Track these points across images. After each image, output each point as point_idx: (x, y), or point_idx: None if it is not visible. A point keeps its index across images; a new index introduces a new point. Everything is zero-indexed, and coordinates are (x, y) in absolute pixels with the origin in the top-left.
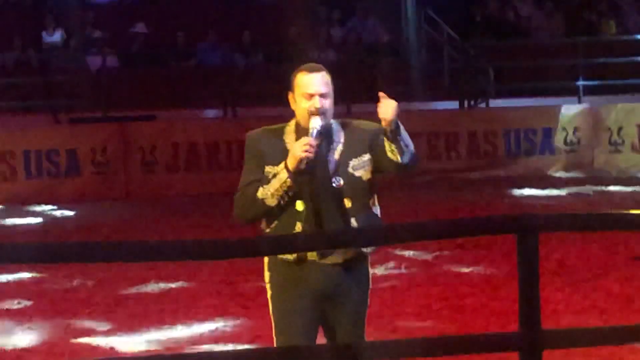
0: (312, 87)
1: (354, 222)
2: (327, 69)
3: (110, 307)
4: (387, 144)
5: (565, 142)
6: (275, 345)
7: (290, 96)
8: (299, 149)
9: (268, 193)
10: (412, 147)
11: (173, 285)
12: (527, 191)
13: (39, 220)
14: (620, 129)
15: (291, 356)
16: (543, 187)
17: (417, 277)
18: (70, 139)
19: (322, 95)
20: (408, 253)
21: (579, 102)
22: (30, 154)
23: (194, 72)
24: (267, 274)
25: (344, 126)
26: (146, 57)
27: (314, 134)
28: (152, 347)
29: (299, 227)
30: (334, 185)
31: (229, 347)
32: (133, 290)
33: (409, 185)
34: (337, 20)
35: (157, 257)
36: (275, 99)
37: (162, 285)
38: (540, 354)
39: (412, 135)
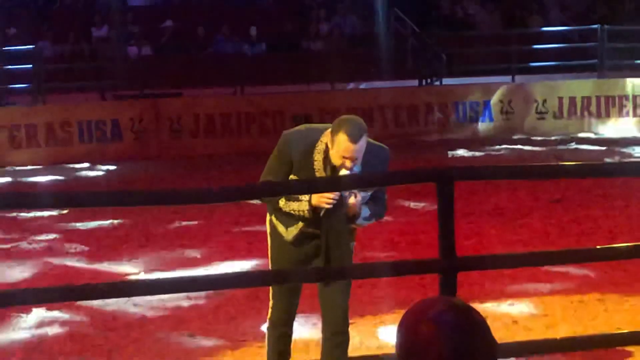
0: (349, 153)
1: (341, 228)
2: (316, 56)
3: (142, 242)
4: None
5: (501, 112)
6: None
7: (329, 137)
8: (322, 200)
9: (287, 208)
10: (373, 219)
11: (192, 224)
12: (472, 151)
13: (91, 174)
14: (544, 100)
15: (283, 277)
16: (484, 147)
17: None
18: (114, 111)
19: (355, 159)
20: None
21: (513, 80)
22: (83, 123)
23: (211, 58)
24: (268, 226)
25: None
26: (173, 47)
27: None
28: (175, 273)
29: (300, 224)
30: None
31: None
32: (160, 229)
33: None
34: (324, 18)
35: (179, 201)
36: (275, 80)
37: (184, 224)
38: (455, 276)
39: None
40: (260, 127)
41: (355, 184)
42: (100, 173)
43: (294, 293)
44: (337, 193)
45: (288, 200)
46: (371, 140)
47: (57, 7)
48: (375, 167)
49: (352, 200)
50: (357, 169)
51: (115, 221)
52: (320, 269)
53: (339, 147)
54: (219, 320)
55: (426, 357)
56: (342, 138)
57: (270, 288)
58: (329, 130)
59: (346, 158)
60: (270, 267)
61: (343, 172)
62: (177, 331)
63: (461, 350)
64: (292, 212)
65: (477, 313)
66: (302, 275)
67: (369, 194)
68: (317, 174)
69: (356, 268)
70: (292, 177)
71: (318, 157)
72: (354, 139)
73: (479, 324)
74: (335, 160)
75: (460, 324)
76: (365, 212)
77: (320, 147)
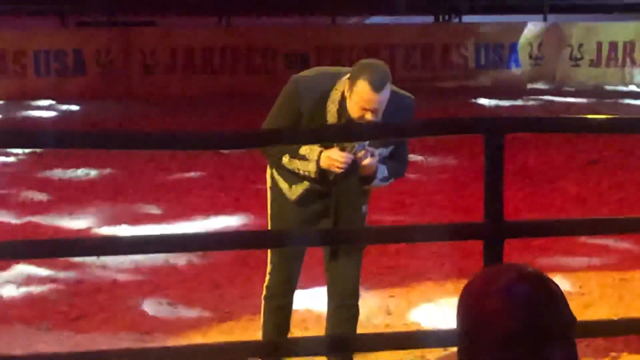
0: (370, 104)
1: (350, 189)
2: None
3: (111, 196)
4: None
5: (530, 57)
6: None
7: (347, 85)
8: (334, 163)
9: (291, 166)
10: (392, 179)
11: (170, 177)
12: (494, 100)
13: (47, 114)
14: (580, 45)
15: (284, 239)
16: (509, 97)
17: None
18: (77, 40)
19: (374, 111)
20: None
21: (544, 19)
22: (40, 54)
23: None
24: (269, 179)
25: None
26: None
27: (358, 148)
28: (152, 231)
29: (306, 183)
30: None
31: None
32: (132, 181)
33: None
34: None
35: (157, 146)
36: (266, 11)
37: (160, 176)
38: (502, 243)
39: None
40: (247, 65)
41: (378, 134)
42: (60, 112)
43: (296, 258)
44: (351, 156)
45: (293, 157)
46: (394, 88)
47: None
48: (398, 120)
49: (367, 160)
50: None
51: (79, 170)
52: (331, 230)
53: (358, 97)
54: (203, 287)
55: (494, 334)
56: (363, 86)
57: (269, 252)
58: (346, 77)
59: (366, 110)
60: (269, 227)
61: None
62: (153, 298)
63: (534, 327)
64: (296, 171)
65: (554, 283)
66: (308, 237)
67: (388, 149)
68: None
69: (377, 230)
70: (301, 124)
71: (332, 108)
72: (377, 88)
73: (555, 296)
74: (353, 111)
75: (533, 296)
76: (383, 171)
77: (335, 95)
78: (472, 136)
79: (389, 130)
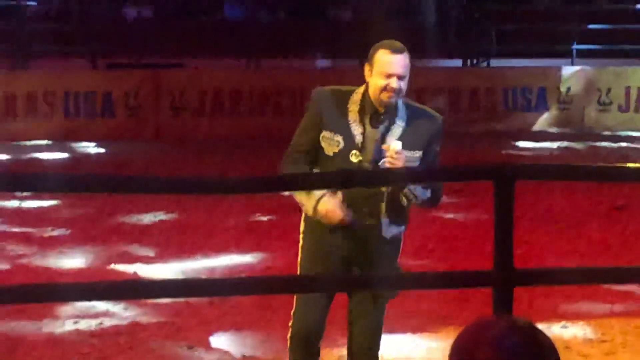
0: (393, 67)
1: (383, 206)
2: (344, 26)
3: (136, 236)
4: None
5: (558, 101)
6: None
7: (366, 67)
8: (330, 215)
9: (297, 197)
10: (427, 194)
11: (193, 218)
12: (522, 144)
13: (78, 154)
14: (609, 90)
15: (311, 283)
16: (537, 141)
17: (414, 220)
18: (106, 82)
19: (400, 77)
20: None
21: (573, 64)
22: (70, 94)
23: (220, 25)
24: (303, 224)
25: (409, 110)
26: (177, 9)
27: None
28: (172, 275)
29: (339, 193)
30: (376, 167)
31: (242, 276)
32: (157, 220)
33: None
34: None
35: (180, 190)
36: (296, 53)
37: (185, 217)
38: (511, 290)
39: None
40: (276, 107)
41: (398, 178)
42: (88, 153)
43: (325, 300)
44: (350, 215)
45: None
46: (421, 106)
47: None
48: (425, 136)
49: (394, 151)
50: (401, 126)
51: (105, 210)
52: (356, 276)
53: (379, 65)
54: (224, 331)
55: None
56: (381, 54)
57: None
58: (363, 85)
59: (390, 76)
60: (299, 273)
61: (397, 144)
62: (174, 341)
63: None
64: (298, 202)
65: (544, 336)
66: (334, 282)
67: (417, 156)
68: (353, 126)
69: (397, 278)
70: (325, 133)
71: (353, 108)
72: (395, 50)
73: (544, 349)
74: (377, 85)
75: (523, 348)
76: (420, 190)
77: (355, 97)
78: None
79: (404, 175)
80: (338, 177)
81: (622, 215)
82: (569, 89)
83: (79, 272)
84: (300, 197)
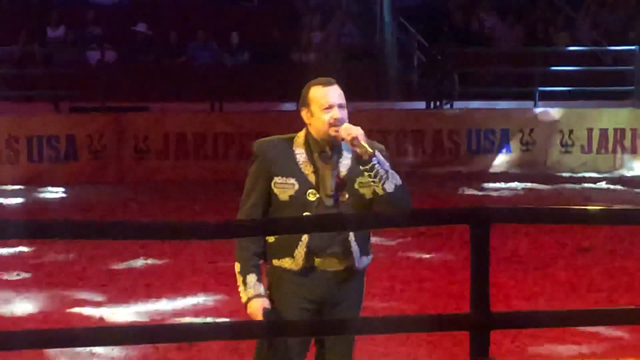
0: (331, 98)
1: (351, 236)
2: (308, 69)
3: (102, 281)
4: (366, 175)
5: (521, 142)
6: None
7: (304, 111)
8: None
9: (238, 278)
10: (397, 178)
11: (159, 263)
12: (486, 186)
13: (41, 198)
14: (571, 131)
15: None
16: (501, 183)
17: (382, 262)
18: (70, 126)
19: (340, 106)
20: (374, 239)
21: (535, 106)
22: (33, 139)
23: (184, 68)
24: (268, 277)
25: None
26: (141, 53)
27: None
28: (139, 319)
29: (305, 237)
30: (337, 199)
31: (209, 320)
32: (123, 265)
33: None
34: (317, 25)
35: (145, 235)
36: (260, 96)
37: (150, 262)
38: (488, 334)
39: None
40: (241, 150)
41: (362, 223)
42: (52, 197)
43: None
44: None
45: (243, 270)
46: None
47: (6, 0)
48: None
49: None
50: (348, 157)
51: (70, 255)
52: (320, 321)
53: (316, 102)
54: None
55: None
56: (314, 91)
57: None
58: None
59: (331, 107)
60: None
61: (351, 130)
62: None
63: None
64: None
65: None
66: (305, 327)
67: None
68: (303, 167)
69: (365, 321)
70: (277, 179)
71: (299, 150)
72: (326, 83)
73: None
74: (321, 123)
75: None
76: (391, 172)
77: (298, 141)
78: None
79: (374, 220)
80: (310, 222)
81: (586, 257)
82: (531, 130)
83: (43, 316)
84: (239, 278)
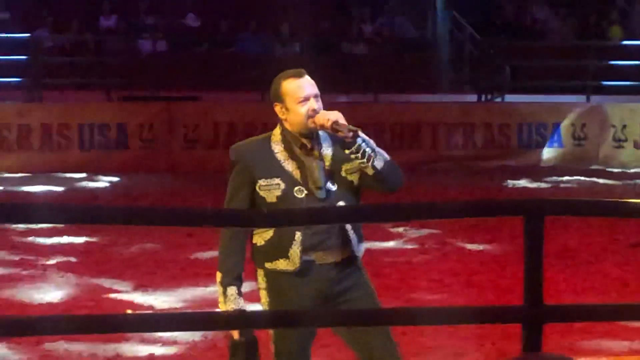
0: (305, 89)
1: (348, 226)
2: (358, 61)
3: (151, 269)
4: (353, 157)
5: (573, 137)
6: (273, 349)
7: (277, 107)
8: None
9: (217, 286)
10: (384, 154)
11: (208, 252)
12: (537, 180)
13: (91, 186)
14: (624, 126)
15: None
16: (552, 177)
17: (432, 254)
18: (121, 115)
19: (315, 96)
20: (425, 231)
21: (587, 100)
22: (84, 127)
23: (235, 58)
24: (262, 280)
25: (324, 132)
26: (192, 43)
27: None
28: (187, 307)
29: (298, 235)
30: (329, 189)
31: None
32: (171, 253)
33: (427, 172)
34: (368, 17)
35: (194, 222)
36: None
37: (199, 251)
38: (541, 327)
39: (432, 125)
40: None
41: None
42: (102, 185)
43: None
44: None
45: (224, 280)
46: None
47: None
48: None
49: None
50: (330, 146)
51: (119, 242)
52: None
53: (292, 95)
54: None
55: None
56: (286, 84)
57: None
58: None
59: (307, 98)
60: (273, 341)
61: (329, 115)
62: None
63: None
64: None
65: None
66: (329, 317)
67: (357, 162)
68: (285, 165)
69: (414, 312)
70: (261, 182)
71: (278, 149)
72: (297, 74)
73: None
74: (298, 116)
75: None
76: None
77: (275, 139)
78: (512, 217)
79: (429, 210)
80: (305, 214)
81: (638, 252)
82: (584, 125)
83: (94, 303)
84: (218, 289)
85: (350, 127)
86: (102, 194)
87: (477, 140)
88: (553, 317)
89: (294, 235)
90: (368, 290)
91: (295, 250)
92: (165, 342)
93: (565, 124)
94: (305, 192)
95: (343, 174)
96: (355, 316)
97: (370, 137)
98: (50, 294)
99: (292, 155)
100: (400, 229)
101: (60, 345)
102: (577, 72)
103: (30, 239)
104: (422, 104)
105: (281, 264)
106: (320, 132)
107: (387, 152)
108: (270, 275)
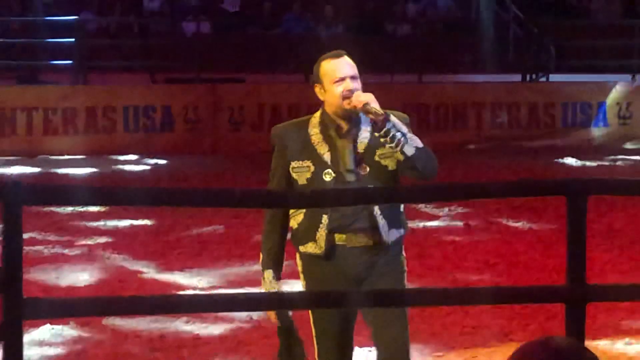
0: (341, 70)
1: (377, 210)
2: (402, 42)
3: (197, 250)
4: (382, 140)
5: (618, 116)
6: (313, 331)
7: (317, 88)
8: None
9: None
10: (417, 141)
11: (253, 233)
12: (582, 159)
13: (136, 169)
14: None
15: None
16: (596, 157)
17: (477, 234)
18: (165, 97)
19: (352, 78)
20: (469, 210)
21: (633, 79)
22: (129, 109)
23: (279, 40)
24: (299, 263)
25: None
26: (236, 25)
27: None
28: (232, 288)
29: (325, 218)
30: (358, 173)
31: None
32: (217, 235)
33: (472, 152)
34: None
35: (222, 203)
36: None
37: (244, 232)
38: (584, 307)
39: (476, 105)
40: None
41: (469, 195)
42: (147, 167)
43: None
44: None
45: (263, 252)
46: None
47: None
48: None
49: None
50: (368, 130)
51: (165, 224)
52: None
53: (329, 76)
54: None
55: None
56: (324, 65)
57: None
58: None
59: (343, 79)
60: (313, 323)
61: (361, 97)
62: (236, 355)
63: None
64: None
65: (590, 353)
66: (368, 298)
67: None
68: (318, 147)
69: (459, 292)
70: (294, 164)
71: (314, 131)
72: (335, 55)
73: None
74: (337, 98)
75: None
76: (408, 135)
77: (314, 121)
78: (557, 197)
79: (478, 190)
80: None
81: None
82: (629, 104)
83: (138, 284)
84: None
85: (379, 110)
86: (146, 175)
87: (522, 120)
88: (595, 296)
89: (321, 218)
90: (395, 283)
91: (322, 233)
92: (209, 324)
93: (610, 103)
94: (334, 175)
95: (377, 158)
96: (395, 296)
97: (414, 118)
98: (95, 275)
99: (326, 138)
100: (445, 209)
101: (105, 325)
102: (622, 51)
103: (77, 222)
104: (466, 85)
105: (310, 247)
106: (361, 115)
107: (432, 133)
108: (305, 258)
